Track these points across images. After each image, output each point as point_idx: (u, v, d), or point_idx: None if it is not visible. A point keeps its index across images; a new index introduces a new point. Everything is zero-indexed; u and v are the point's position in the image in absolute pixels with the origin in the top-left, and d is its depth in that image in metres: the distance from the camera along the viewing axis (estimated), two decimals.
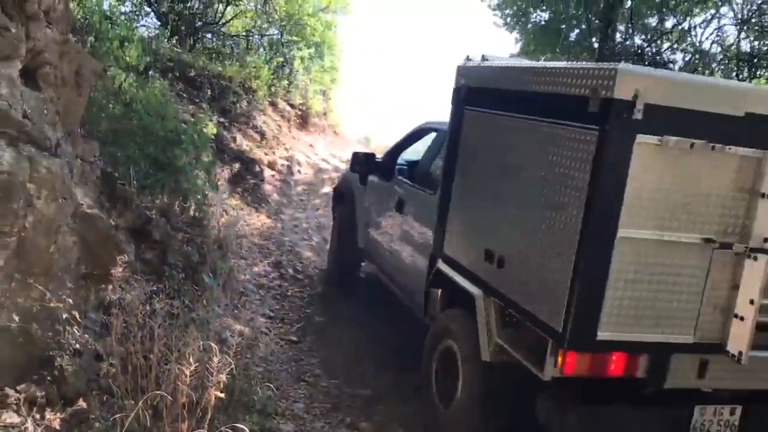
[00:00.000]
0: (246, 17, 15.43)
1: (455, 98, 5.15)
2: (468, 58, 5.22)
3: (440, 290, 5.34)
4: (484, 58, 5.11)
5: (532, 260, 3.95)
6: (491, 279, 4.39)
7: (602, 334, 3.51)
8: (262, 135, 12.64)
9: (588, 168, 3.44)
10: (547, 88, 3.97)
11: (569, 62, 4.34)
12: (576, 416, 3.84)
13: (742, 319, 3.59)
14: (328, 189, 11.88)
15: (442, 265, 5.10)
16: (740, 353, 3.58)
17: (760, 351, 3.66)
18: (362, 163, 7.15)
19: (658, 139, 3.35)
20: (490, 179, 4.59)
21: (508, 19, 14.52)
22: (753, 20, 10.94)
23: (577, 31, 13.50)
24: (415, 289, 5.83)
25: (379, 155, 7.43)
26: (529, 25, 14.26)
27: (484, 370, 4.43)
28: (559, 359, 3.62)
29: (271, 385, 5.17)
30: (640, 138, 3.33)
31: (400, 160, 7.08)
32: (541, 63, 4.63)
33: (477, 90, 4.93)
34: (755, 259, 3.54)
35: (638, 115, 3.30)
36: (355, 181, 7.54)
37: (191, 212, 7.10)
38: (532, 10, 14.07)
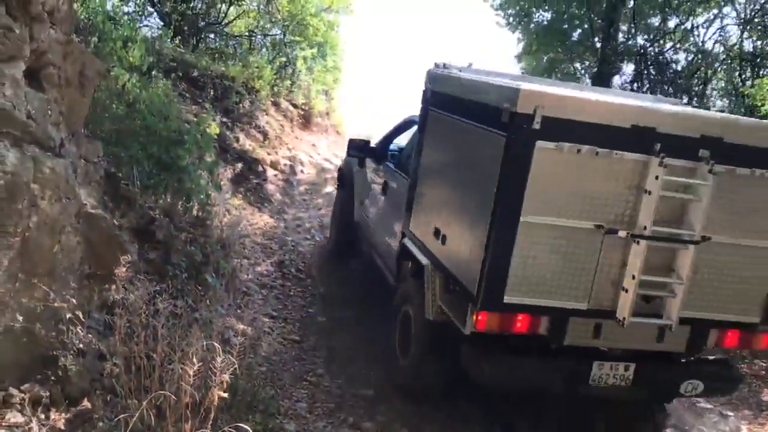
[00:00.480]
0: (249, 17, 15.43)
1: (423, 99, 5.99)
2: (436, 65, 6.01)
3: (409, 262, 6.05)
4: (444, 66, 5.97)
5: (461, 238, 4.86)
6: (437, 253, 5.27)
7: (508, 298, 4.35)
8: (265, 135, 12.64)
9: (498, 166, 4.27)
10: (477, 98, 4.87)
11: (492, 78, 5.27)
12: (488, 365, 4.74)
13: (626, 291, 4.36)
14: (330, 189, 11.88)
15: (406, 241, 6.01)
16: (624, 318, 4.37)
17: (642, 318, 4.45)
18: (358, 148, 8.03)
19: (555, 144, 4.14)
20: (441, 170, 5.59)
21: (511, 19, 14.49)
22: (756, 20, 10.91)
23: (579, 31, 13.49)
24: (390, 259, 6.76)
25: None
26: (532, 25, 14.23)
27: (428, 327, 5.31)
28: (474, 317, 4.44)
29: (274, 385, 5.18)
30: (539, 144, 4.13)
31: (393, 146, 7.84)
32: (475, 77, 5.53)
33: (437, 93, 5.77)
34: (638, 242, 4.31)
35: (537, 126, 4.09)
36: (354, 164, 8.43)
37: (194, 212, 7.12)
38: (534, 10, 14.03)
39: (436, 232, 5.28)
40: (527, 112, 4.08)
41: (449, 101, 5.44)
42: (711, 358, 5.18)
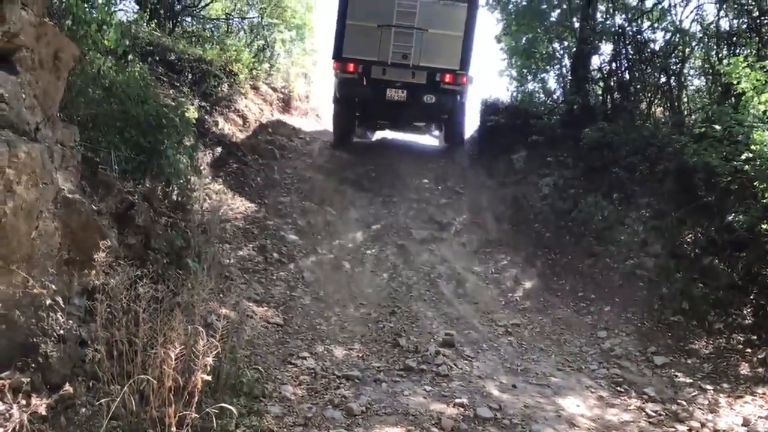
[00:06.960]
0: (225, 0, 15.27)
1: None
2: None
3: None
4: None
5: None
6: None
7: (345, 55, 12.26)
8: (245, 119, 12.55)
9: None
10: None
11: None
12: (347, 87, 12.65)
13: (391, 52, 12.29)
14: (311, 174, 11.82)
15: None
16: (389, 64, 12.08)
17: (399, 66, 12.06)
18: None
19: None
20: None
21: (490, 0, 14.45)
22: None
23: (558, 11, 13.48)
24: None
25: None
26: (510, 6, 14.19)
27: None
28: (334, 64, 12.44)
29: (259, 368, 5.17)
30: None
31: None
32: None
33: None
34: (393, 31, 12.07)
35: None
36: None
37: (174, 197, 7.05)
38: None
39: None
40: None
41: None
42: (444, 88, 12.00)
